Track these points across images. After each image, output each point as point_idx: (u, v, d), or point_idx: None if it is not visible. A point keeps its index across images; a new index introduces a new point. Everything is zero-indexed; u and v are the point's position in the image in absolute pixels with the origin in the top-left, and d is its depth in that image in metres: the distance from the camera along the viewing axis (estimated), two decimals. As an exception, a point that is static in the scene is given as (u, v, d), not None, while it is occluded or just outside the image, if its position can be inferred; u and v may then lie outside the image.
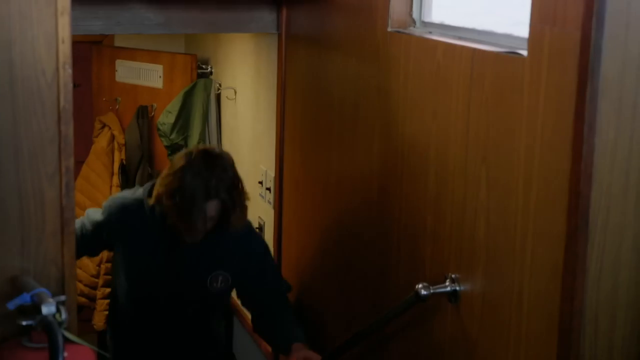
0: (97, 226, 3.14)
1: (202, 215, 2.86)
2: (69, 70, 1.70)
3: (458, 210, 2.26)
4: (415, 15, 2.59)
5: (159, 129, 4.57)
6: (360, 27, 2.83)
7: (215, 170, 2.85)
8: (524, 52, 1.94)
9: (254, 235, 3.28)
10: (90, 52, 5.23)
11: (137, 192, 3.17)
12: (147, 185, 3.13)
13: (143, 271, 3.13)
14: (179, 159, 2.94)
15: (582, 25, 1.70)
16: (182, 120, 4.53)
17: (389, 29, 2.60)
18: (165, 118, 4.53)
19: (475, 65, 2.14)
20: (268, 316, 3.25)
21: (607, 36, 1.68)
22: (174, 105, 4.52)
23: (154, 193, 2.96)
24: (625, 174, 1.76)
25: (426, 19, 2.58)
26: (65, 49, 1.68)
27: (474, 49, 2.15)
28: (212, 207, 2.86)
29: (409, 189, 2.53)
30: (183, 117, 4.53)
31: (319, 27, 3.23)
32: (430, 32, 2.50)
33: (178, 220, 2.90)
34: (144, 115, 4.86)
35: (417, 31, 2.56)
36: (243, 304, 3.39)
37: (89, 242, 3.13)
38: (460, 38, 2.32)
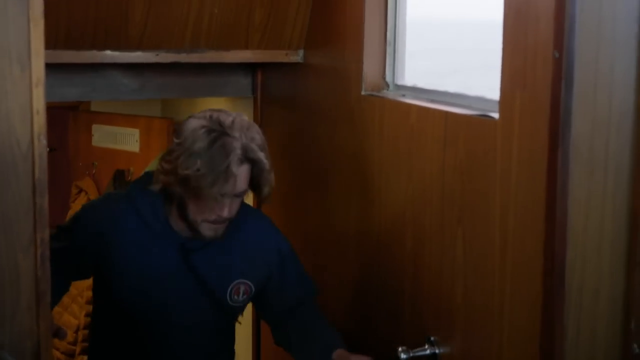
0: (73, 246, 2.46)
1: (232, 188, 2.29)
2: (44, 141, 1.69)
3: (435, 272, 2.26)
4: (388, 78, 2.63)
5: (136, 193, 4.56)
6: (334, 91, 2.86)
7: (241, 128, 2.31)
8: (496, 115, 1.97)
9: (274, 229, 2.67)
10: (67, 117, 5.24)
11: (120, 192, 2.61)
12: (138, 179, 2.58)
13: (144, 288, 2.45)
14: (188, 123, 2.35)
15: (552, 89, 1.72)
16: (159, 184, 4.52)
17: (363, 93, 2.63)
18: (142, 182, 4.53)
19: (449, 128, 2.16)
20: (297, 325, 2.62)
21: (576, 99, 1.70)
22: (151, 169, 4.51)
23: (158, 176, 2.38)
24: (599, 235, 1.77)
25: (399, 82, 2.61)
26: (40, 120, 1.68)
27: (447, 112, 2.17)
28: (243, 176, 2.31)
29: (386, 251, 2.53)
30: (160, 181, 4.53)
31: (294, 90, 3.26)
32: (403, 95, 2.53)
33: (199, 200, 2.32)
34: (120, 179, 4.86)
35: (391, 94, 2.59)
36: (264, 316, 2.75)
37: (65, 269, 2.40)
38: (432, 101, 2.35)
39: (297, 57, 3.14)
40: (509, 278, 1.93)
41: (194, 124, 2.32)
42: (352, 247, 2.78)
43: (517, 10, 1.83)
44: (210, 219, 2.36)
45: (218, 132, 2.27)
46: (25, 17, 1.59)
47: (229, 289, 2.51)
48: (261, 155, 2.32)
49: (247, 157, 2.30)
